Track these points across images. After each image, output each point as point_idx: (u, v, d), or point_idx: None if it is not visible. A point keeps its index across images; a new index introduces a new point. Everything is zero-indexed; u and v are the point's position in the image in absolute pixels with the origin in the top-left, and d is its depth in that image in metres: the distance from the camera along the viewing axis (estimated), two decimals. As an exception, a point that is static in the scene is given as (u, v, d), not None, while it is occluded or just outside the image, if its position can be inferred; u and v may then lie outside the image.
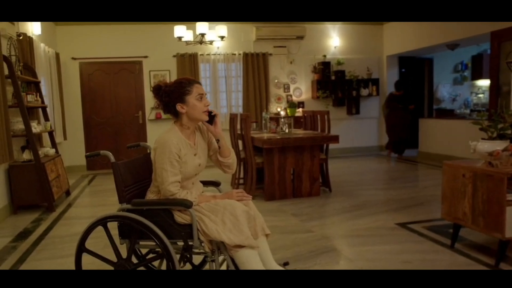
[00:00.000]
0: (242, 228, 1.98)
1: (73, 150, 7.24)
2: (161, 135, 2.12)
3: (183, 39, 5.20)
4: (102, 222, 2.09)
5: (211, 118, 2.19)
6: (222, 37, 5.27)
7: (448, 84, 9.43)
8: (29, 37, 5.34)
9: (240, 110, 7.88)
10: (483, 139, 2.92)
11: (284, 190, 4.75)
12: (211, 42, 5.34)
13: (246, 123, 4.78)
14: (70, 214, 4.53)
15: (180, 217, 2.06)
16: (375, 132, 8.74)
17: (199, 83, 2.16)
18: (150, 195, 2.19)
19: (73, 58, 7.22)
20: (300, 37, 7.92)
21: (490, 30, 5.84)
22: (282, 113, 7.94)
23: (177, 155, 2.06)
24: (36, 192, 4.57)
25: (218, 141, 2.25)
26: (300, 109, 8.00)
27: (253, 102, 7.86)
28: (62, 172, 5.24)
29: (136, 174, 2.31)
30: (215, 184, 2.45)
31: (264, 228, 2.16)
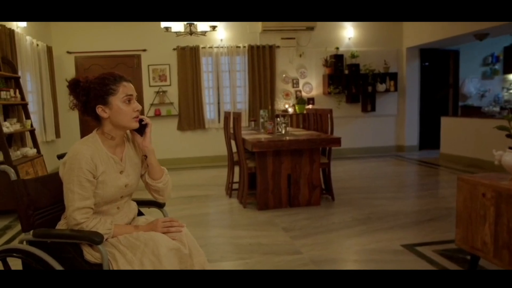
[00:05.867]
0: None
1: (69, 148, 6.92)
2: (74, 145, 1.64)
3: (172, 30, 4.71)
4: (-2, 256, 1.64)
5: (142, 127, 1.71)
6: (213, 27, 4.75)
7: (476, 79, 8.58)
8: (10, 29, 4.98)
9: (246, 106, 7.36)
10: (511, 148, 2.30)
11: (279, 198, 4.20)
12: (203, 33, 4.83)
13: (237, 123, 4.27)
14: (44, 221, 4.15)
15: (90, 254, 1.57)
16: (393, 131, 8.01)
17: (128, 81, 1.67)
18: (62, 221, 1.71)
19: (68, 52, 6.87)
20: (311, 28, 7.30)
21: (525, 16, 5.07)
22: (290, 110, 7.38)
23: (90, 174, 1.58)
24: (9, 197, 4.21)
25: (146, 157, 1.75)
26: (310, 106, 7.41)
27: (259, 98, 7.32)
28: (43, 173, 4.88)
29: (57, 192, 1.84)
30: (158, 205, 1.95)
31: (205, 268, 1.63)
